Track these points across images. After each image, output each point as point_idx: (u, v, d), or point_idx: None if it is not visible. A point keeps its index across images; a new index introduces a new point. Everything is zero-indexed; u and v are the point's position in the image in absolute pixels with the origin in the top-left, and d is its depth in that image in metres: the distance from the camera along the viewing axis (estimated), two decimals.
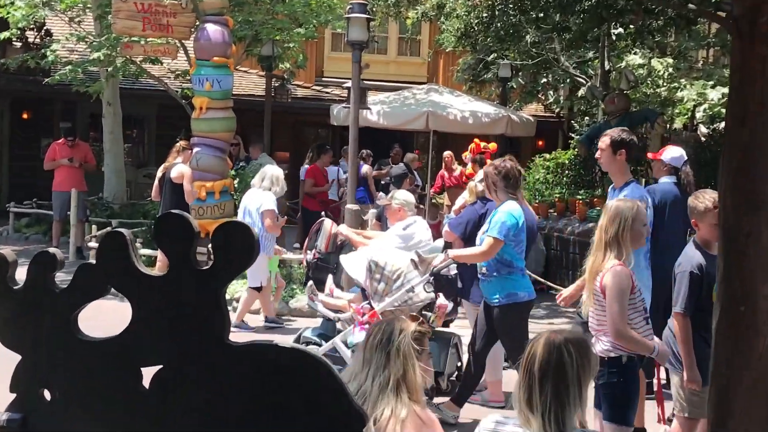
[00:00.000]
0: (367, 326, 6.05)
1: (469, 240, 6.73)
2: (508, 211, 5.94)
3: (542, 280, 11.12)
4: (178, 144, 10.73)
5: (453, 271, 6.54)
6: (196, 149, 10.33)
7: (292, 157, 21.21)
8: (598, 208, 12.12)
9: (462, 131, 14.34)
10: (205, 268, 1.99)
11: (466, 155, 14.46)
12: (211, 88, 10.16)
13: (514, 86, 16.87)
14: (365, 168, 14.87)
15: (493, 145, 14.34)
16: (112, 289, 2.11)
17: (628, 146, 5.65)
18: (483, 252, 5.96)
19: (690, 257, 4.87)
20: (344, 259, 6.63)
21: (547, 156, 15.27)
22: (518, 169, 6.11)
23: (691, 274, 4.78)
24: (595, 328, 4.54)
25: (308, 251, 7.51)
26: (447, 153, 14.63)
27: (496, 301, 6.01)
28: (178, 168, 10.09)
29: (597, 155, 5.94)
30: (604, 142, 5.72)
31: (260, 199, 8.72)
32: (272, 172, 8.91)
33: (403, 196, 7.51)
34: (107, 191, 15.10)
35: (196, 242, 2.01)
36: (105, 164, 15.35)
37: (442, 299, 6.44)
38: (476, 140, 14.02)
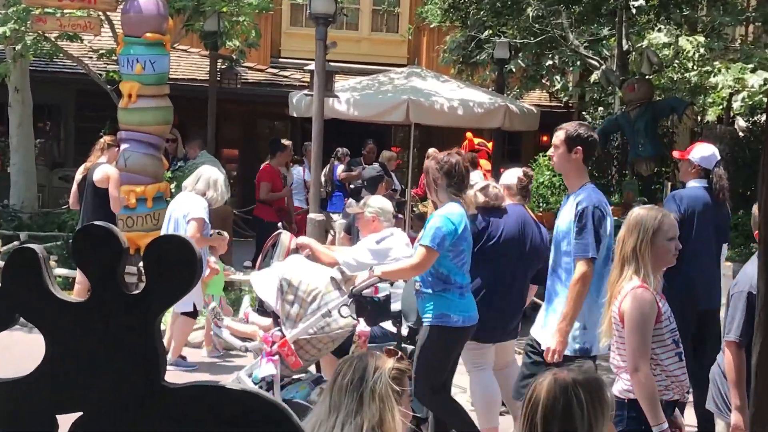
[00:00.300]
0: (276, 357, 6.09)
1: None
2: (446, 216, 6.00)
3: (539, 300, 11.13)
4: (101, 140, 10.68)
5: (385, 291, 6.57)
6: (124, 146, 10.28)
7: (242, 156, 21.22)
8: (615, 217, 12.19)
9: (449, 124, 14.39)
10: (135, 292, 1.98)
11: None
12: (143, 71, 10.13)
13: (513, 70, 16.97)
14: (341, 170, 14.90)
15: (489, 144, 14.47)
16: (21, 318, 2.09)
17: (585, 143, 5.69)
18: (414, 265, 6.03)
19: (750, 276, 4.86)
20: (253, 277, 6.67)
21: None
22: (465, 166, 6.18)
23: (749, 296, 4.76)
24: (615, 365, 4.56)
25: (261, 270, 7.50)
26: (432, 150, 14.69)
27: (426, 320, 6.08)
28: (103, 169, 10.04)
29: (550, 152, 6.03)
30: (558, 137, 5.80)
31: (189, 205, 8.69)
32: (209, 174, 8.87)
33: (377, 203, 7.51)
34: (14, 197, 15.00)
35: (124, 260, 2.01)
36: (11, 164, 15.25)
37: (363, 325, 6.47)
38: (469, 135, 14.10)
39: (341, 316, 6.13)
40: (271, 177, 13.38)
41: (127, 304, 1.97)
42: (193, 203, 8.68)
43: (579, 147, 5.67)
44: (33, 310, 2.06)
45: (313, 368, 6.80)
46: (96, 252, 2.00)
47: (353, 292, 6.17)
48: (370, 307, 6.37)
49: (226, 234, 9.16)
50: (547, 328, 5.73)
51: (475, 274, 6.52)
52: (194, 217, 8.59)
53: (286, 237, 7.52)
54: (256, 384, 6.18)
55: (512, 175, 7.31)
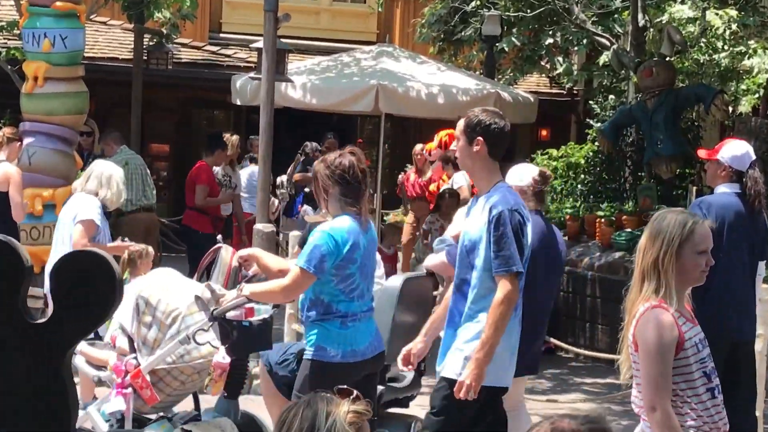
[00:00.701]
0: (128, 390, 6.09)
1: None
2: (328, 233, 5.97)
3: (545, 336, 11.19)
4: (0, 132, 10.62)
5: (263, 315, 6.62)
6: (27, 140, 10.21)
7: (174, 152, 21.14)
8: (629, 229, 12.27)
9: (428, 115, 14.41)
10: (40, 321, 1.96)
11: (430, 148, 14.51)
12: (52, 49, 10.07)
13: (506, 49, 16.99)
14: (290, 170, 14.89)
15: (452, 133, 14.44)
16: None
17: (487, 133, 5.67)
18: (284, 287, 6.03)
19: None
20: None
21: (554, 152, 15.41)
22: (362, 168, 6.13)
23: None
24: (636, 404, 4.57)
25: None
26: (419, 147, 14.70)
27: (308, 353, 6.11)
28: (1, 168, 9.98)
29: (453, 145, 6.08)
30: (458, 126, 5.85)
31: (77, 207, 8.62)
32: (102, 169, 8.79)
33: None
34: None
35: (27, 281, 2.00)
36: None
37: (220, 355, 6.43)
38: (446, 131, 14.09)
39: (197, 342, 6.10)
40: (208, 178, 13.34)
41: (31, 336, 1.95)
42: (82, 204, 8.60)
43: (479, 138, 5.66)
44: None
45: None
46: None
47: (214, 314, 6.11)
48: (237, 333, 6.24)
49: (133, 243, 9.06)
50: (449, 357, 5.76)
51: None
52: (81, 220, 8.49)
53: (226, 252, 7.48)
54: (106, 420, 6.15)
55: (523, 175, 7.20)
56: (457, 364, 5.67)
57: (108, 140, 13.14)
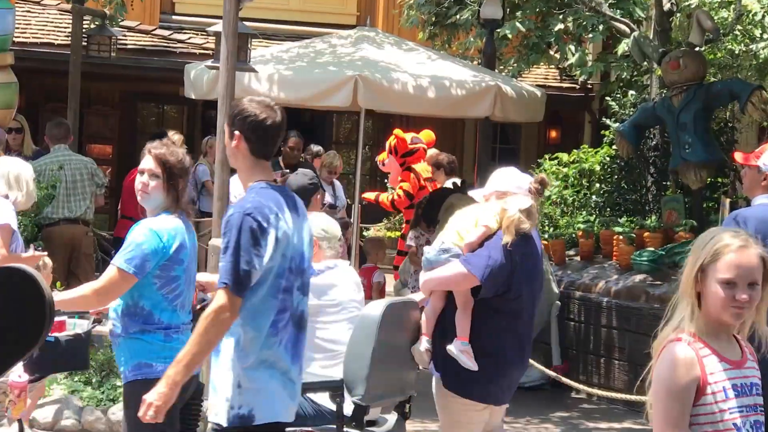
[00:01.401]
0: None
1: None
2: (152, 228, 6.04)
3: (552, 373, 11.18)
4: None
5: (77, 330, 6.59)
6: None
7: (117, 154, 21.09)
8: (651, 248, 12.27)
9: (416, 111, 14.40)
10: None
11: (381, 158, 14.50)
12: None
13: (509, 36, 17.03)
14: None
15: (427, 135, 14.43)
16: None
17: (244, 127, 5.71)
18: (97, 290, 6.08)
19: None
20: None
21: (565, 157, 15.42)
22: (177, 161, 6.27)
23: None
24: None
25: None
26: (432, 152, 14.61)
27: (128, 375, 6.13)
28: None
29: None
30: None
31: None
32: (9, 168, 8.76)
33: (319, 222, 7.53)
34: None
35: None
36: None
37: (16, 374, 6.47)
38: (398, 132, 14.10)
39: None
40: None
41: None
42: None
43: (237, 132, 5.69)
44: None
45: None
46: None
47: None
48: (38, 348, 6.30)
49: (46, 253, 9.03)
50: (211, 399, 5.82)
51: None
52: None
53: None
54: None
55: (513, 180, 7.25)
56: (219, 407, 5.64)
57: (48, 135, 13.08)
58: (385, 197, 13.94)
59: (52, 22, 19.95)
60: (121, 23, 18.38)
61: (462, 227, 7.21)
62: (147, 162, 6.28)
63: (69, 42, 17.04)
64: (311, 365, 7.08)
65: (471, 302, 6.96)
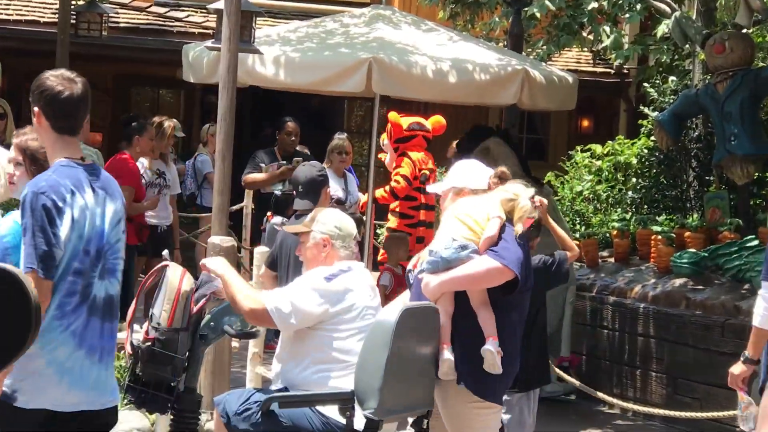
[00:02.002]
0: None
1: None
2: (16, 220, 6.04)
3: (572, 380, 11.19)
4: None
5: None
6: None
7: (109, 142, 21.13)
8: (692, 250, 12.27)
9: (435, 98, 14.36)
10: None
11: (382, 138, 14.51)
12: None
13: (538, 15, 17.00)
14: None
15: (435, 121, 14.44)
16: None
17: (42, 101, 5.81)
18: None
19: None
20: None
21: (599, 149, 15.43)
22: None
23: None
24: None
25: (132, 328, 7.47)
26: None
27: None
28: None
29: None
30: None
31: None
32: None
33: (332, 219, 7.55)
34: None
35: None
36: None
37: None
38: (393, 115, 14.10)
39: None
40: (132, 176, 13.37)
41: None
42: None
43: (35, 108, 5.80)
44: None
45: None
46: None
47: None
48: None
49: None
50: None
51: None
52: None
53: (174, 273, 7.48)
54: None
55: (472, 175, 7.49)
56: None
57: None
58: (380, 191, 13.82)
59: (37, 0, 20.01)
60: (112, 0, 18.46)
61: (471, 221, 7.30)
62: (11, 152, 6.42)
63: (55, 20, 17.10)
64: (329, 378, 7.15)
65: (488, 299, 7.12)
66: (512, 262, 7.05)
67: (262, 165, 14.37)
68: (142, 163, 13.85)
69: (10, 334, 2.05)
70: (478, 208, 7.29)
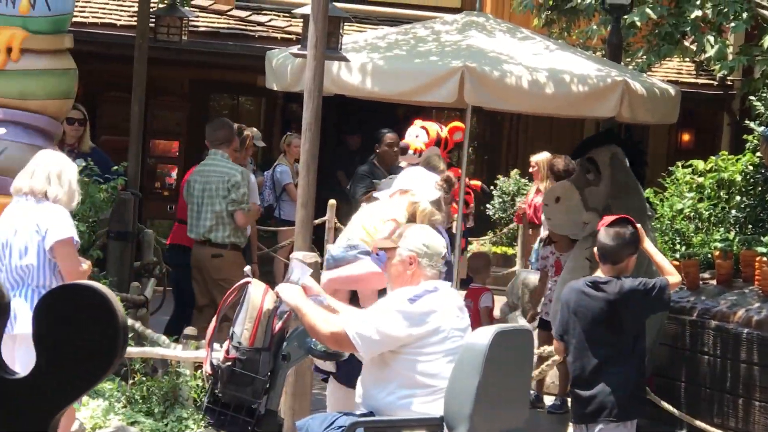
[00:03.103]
0: None
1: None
2: None
3: (670, 407, 11.10)
4: None
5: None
6: None
7: (185, 150, 21.26)
8: None
9: (530, 110, 14.37)
10: (18, 375, 1.98)
11: (411, 144, 14.60)
12: (31, 11, 10.18)
13: (638, 23, 16.97)
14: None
15: (457, 126, 14.47)
16: None
17: None
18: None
19: None
20: None
21: (701, 165, 15.32)
22: None
23: None
24: None
25: (212, 347, 7.51)
26: (538, 158, 14.67)
27: None
28: None
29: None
30: None
31: (42, 220, 8.58)
32: (48, 162, 8.76)
33: (420, 236, 7.47)
34: None
35: (2, 321, 2.01)
36: None
37: None
38: (418, 121, 14.15)
39: None
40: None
41: (7, 394, 1.97)
42: (50, 216, 8.57)
43: None
44: None
45: None
46: None
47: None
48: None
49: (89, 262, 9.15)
50: None
51: None
52: (60, 239, 8.47)
53: (256, 290, 7.50)
54: None
55: (418, 179, 7.99)
56: None
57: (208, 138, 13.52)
58: None
59: (115, 1, 20.15)
60: (192, 2, 18.56)
61: (369, 223, 7.46)
62: None
63: (133, 23, 17.22)
64: (412, 403, 7.13)
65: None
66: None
67: (375, 181, 14.26)
68: None
69: (95, 357, 2.01)
70: (382, 212, 7.74)
